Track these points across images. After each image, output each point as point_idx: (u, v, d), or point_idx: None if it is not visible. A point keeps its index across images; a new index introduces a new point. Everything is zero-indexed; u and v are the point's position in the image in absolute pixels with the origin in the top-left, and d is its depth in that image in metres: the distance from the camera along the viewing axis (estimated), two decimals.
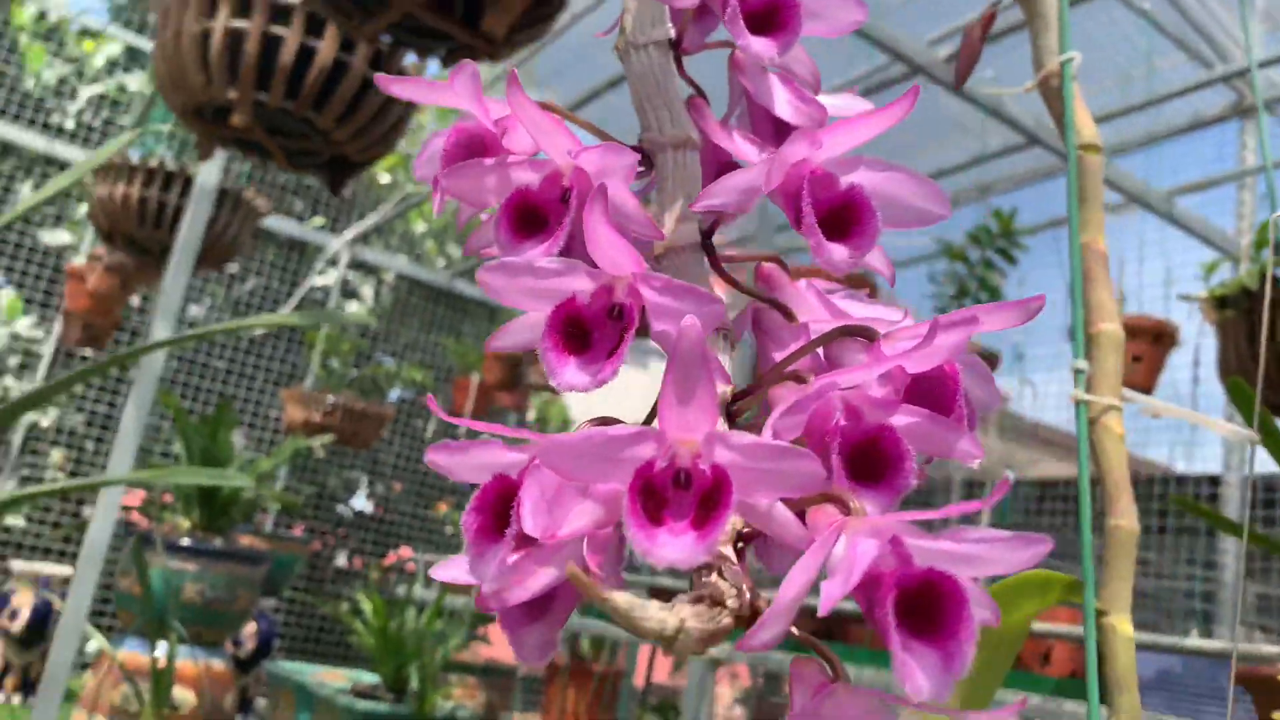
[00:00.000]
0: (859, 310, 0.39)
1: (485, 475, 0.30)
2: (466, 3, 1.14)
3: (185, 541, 3.31)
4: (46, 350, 4.71)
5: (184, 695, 3.10)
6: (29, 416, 4.67)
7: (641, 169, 0.39)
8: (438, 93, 0.35)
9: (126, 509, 4.08)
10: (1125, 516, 0.57)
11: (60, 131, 4.42)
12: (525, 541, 0.28)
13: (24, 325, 4.71)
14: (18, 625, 3.93)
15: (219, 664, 3.21)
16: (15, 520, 4.52)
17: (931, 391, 0.31)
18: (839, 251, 0.32)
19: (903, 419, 0.30)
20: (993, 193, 4.22)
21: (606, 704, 4.11)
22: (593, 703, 4.10)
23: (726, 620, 0.26)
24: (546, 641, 0.33)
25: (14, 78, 4.31)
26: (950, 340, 0.29)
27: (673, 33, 0.39)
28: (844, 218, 0.33)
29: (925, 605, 0.25)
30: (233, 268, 4.98)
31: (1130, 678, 0.56)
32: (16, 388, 4.66)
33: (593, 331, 0.31)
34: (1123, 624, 0.56)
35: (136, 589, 3.13)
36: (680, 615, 0.23)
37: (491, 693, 3.91)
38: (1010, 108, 3.34)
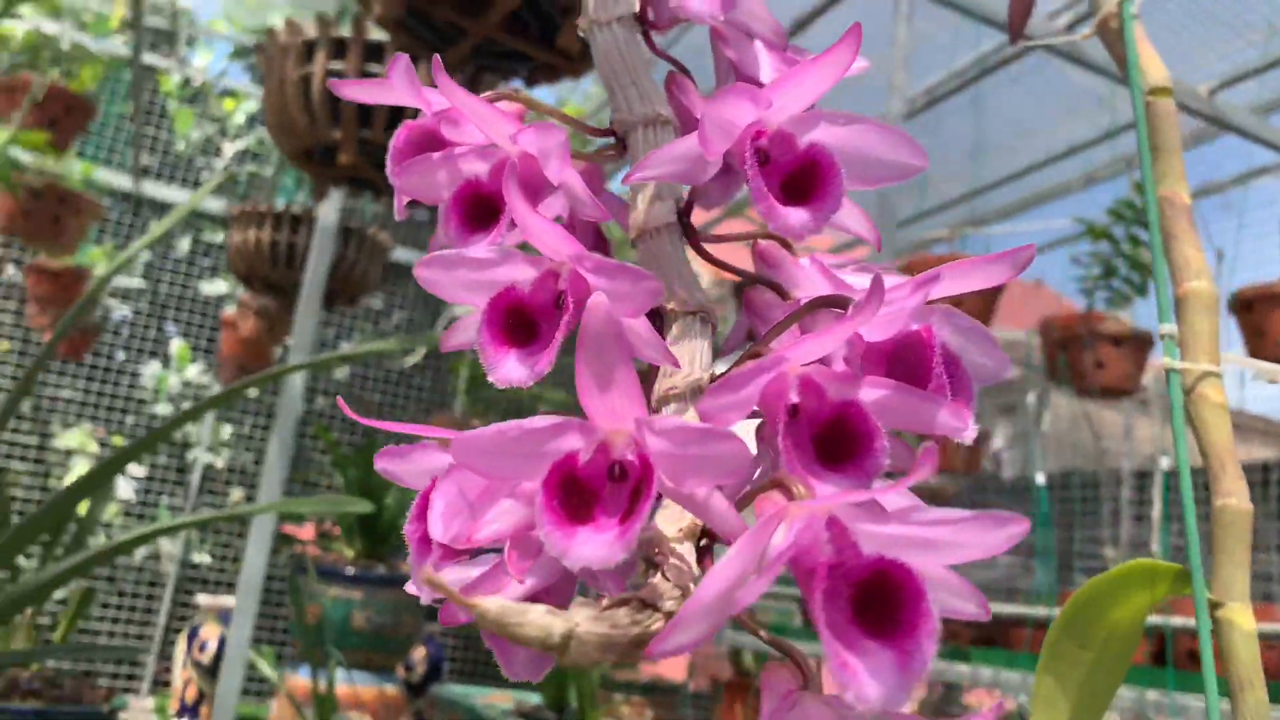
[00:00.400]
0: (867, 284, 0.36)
1: (426, 480, 0.29)
2: (541, 22, 1.14)
3: (350, 570, 3.43)
4: (214, 392, 4.99)
5: None
6: (204, 458, 4.95)
7: (613, 151, 0.37)
8: (384, 91, 0.34)
9: (302, 542, 4.28)
10: (1233, 494, 0.51)
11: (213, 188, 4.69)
12: (450, 550, 0.26)
13: (193, 372, 5.00)
14: (206, 657, 4.16)
15: (391, 689, 3.32)
16: (201, 557, 4.79)
17: (908, 361, 0.28)
18: (795, 215, 0.29)
19: (871, 393, 0.27)
20: (1135, 166, 4.00)
21: None
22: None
23: (656, 625, 0.23)
24: (535, 657, 0.31)
25: (165, 141, 4.61)
26: (910, 303, 0.26)
27: (637, 7, 0.37)
28: (804, 179, 0.30)
29: (875, 598, 0.22)
30: (376, 303, 5.16)
31: (1254, 674, 0.50)
32: (193, 432, 4.95)
33: (538, 322, 0.29)
34: (1241, 616, 0.50)
35: (310, 618, 3.27)
36: (572, 621, 0.21)
37: (659, 710, 3.91)
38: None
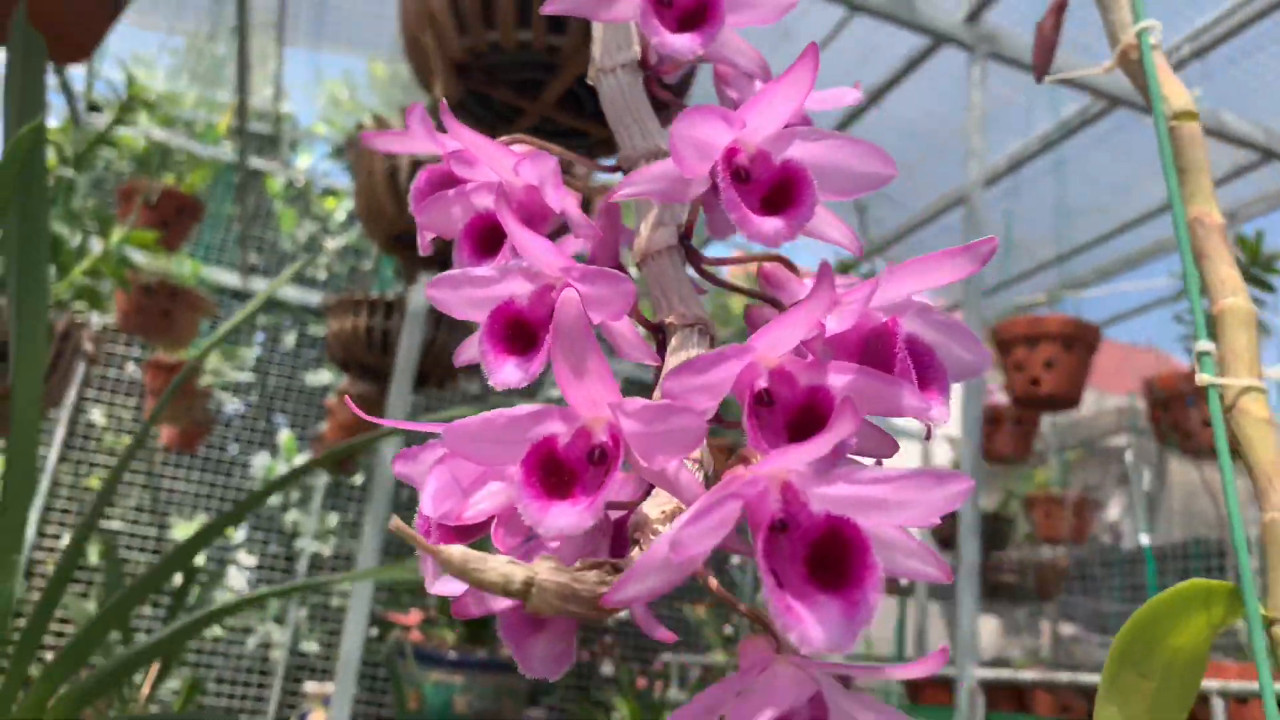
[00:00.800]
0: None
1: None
2: (596, 98, 1.19)
3: (451, 655, 3.46)
4: (320, 482, 5.14)
5: None
6: (312, 546, 5.08)
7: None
8: (406, 141, 0.37)
9: (405, 628, 4.34)
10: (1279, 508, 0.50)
11: (314, 283, 4.90)
12: (449, 533, 0.29)
13: (300, 461, 5.17)
14: None
15: None
16: (309, 646, 4.89)
17: (876, 350, 0.30)
18: (769, 224, 0.31)
19: (838, 378, 0.29)
20: (1237, 220, 3.90)
21: None
22: None
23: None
24: (556, 653, 0.33)
25: (272, 239, 4.85)
26: (862, 293, 0.28)
27: (638, 54, 0.40)
28: (780, 192, 0.32)
29: (823, 553, 0.24)
30: (473, 386, 5.28)
31: None
32: (300, 519, 5.10)
33: (535, 331, 0.32)
34: None
35: (412, 703, 3.30)
36: (533, 570, 0.23)
37: None
38: (1234, 125, 3.10)
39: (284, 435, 5.19)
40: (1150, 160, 4.11)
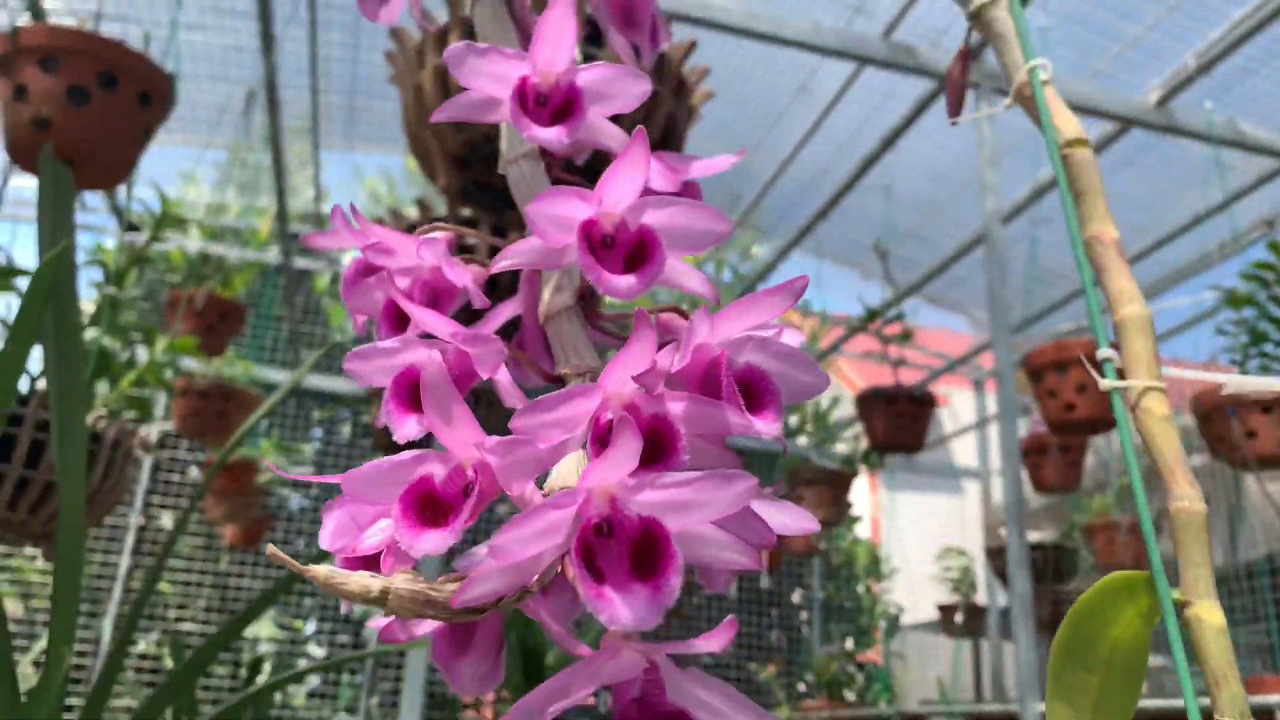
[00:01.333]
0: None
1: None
2: (591, 180, 1.26)
3: None
4: None
5: None
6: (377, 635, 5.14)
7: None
8: (335, 239, 0.43)
9: (476, 705, 4.38)
10: (1186, 498, 0.53)
11: None
12: (350, 563, 0.34)
13: None
14: None
15: None
16: None
17: (713, 380, 0.35)
18: (623, 281, 0.36)
19: (675, 406, 0.34)
20: (1275, 227, 3.87)
21: None
22: None
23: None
24: (481, 673, 0.38)
25: (322, 336, 5.00)
26: (690, 339, 0.33)
27: (536, 147, 0.46)
28: (638, 253, 0.38)
29: (633, 549, 0.29)
30: None
31: (1228, 669, 0.51)
32: (369, 610, 5.16)
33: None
34: (1209, 613, 0.52)
35: None
36: (389, 581, 0.28)
37: None
38: (1253, 134, 3.11)
39: None
40: (1176, 176, 4.11)
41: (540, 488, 0.32)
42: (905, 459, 5.78)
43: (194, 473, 4.80)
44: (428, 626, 0.36)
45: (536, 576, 0.30)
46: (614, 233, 0.38)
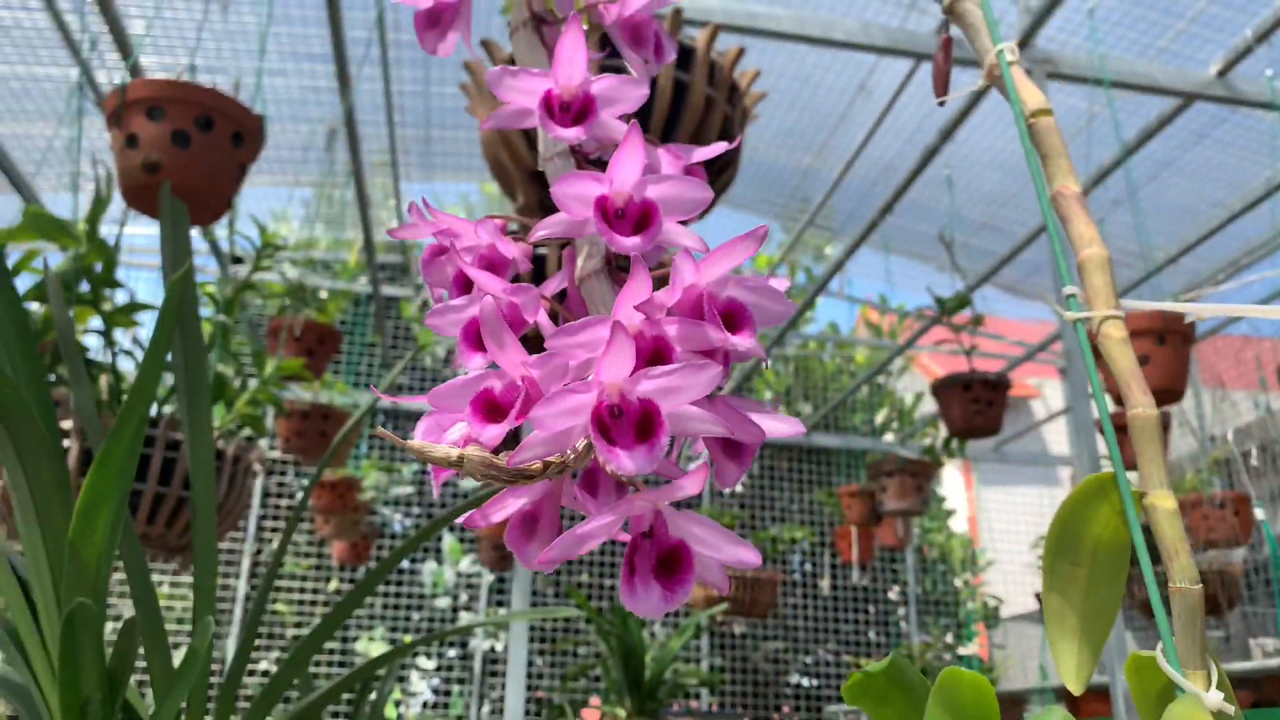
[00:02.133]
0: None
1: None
2: None
3: None
4: (484, 581, 5.39)
5: None
6: (484, 644, 5.32)
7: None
8: (415, 230, 0.55)
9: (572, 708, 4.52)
10: (1140, 405, 0.61)
11: None
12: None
13: (465, 564, 5.46)
14: None
15: None
16: None
17: (699, 309, 0.46)
18: (630, 240, 0.47)
19: (670, 329, 0.45)
20: None
21: None
22: None
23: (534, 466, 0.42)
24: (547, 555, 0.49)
25: (414, 359, 5.22)
26: (679, 279, 0.44)
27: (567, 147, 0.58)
28: (642, 220, 0.49)
29: (637, 423, 0.40)
30: None
31: (1179, 544, 0.59)
32: (467, 616, 5.35)
33: None
34: (1162, 500, 0.60)
35: None
36: (464, 451, 0.40)
37: None
38: None
39: (448, 541, 5.50)
40: (1252, 147, 4.06)
41: None
42: (996, 451, 5.76)
43: (300, 497, 5.05)
44: (505, 513, 0.48)
45: (571, 451, 0.41)
46: (623, 205, 0.49)
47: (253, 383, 2.08)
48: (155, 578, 4.59)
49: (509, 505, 0.48)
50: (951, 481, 8.32)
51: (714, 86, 1.63)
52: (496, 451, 0.42)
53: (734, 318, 0.46)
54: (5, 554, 1.10)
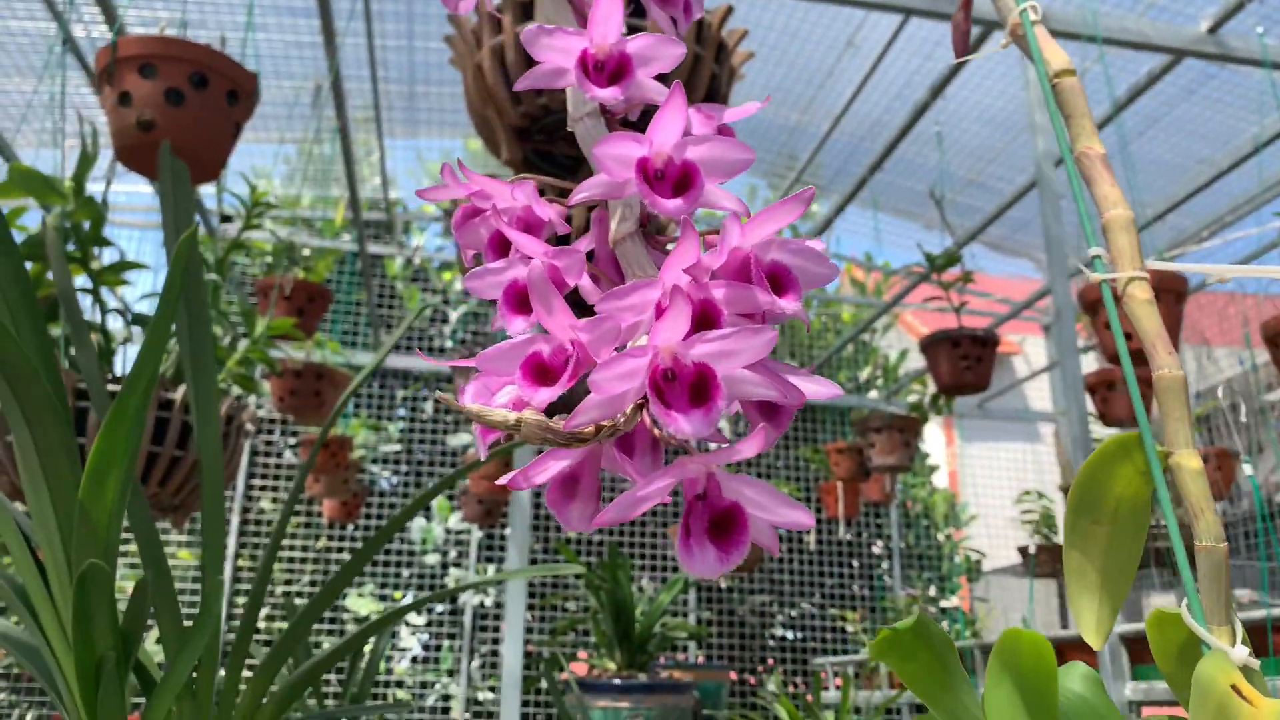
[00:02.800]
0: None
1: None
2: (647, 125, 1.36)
3: (616, 681, 3.65)
4: (473, 537, 5.42)
5: None
6: (474, 600, 5.36)
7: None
8: (445, 192, 0.55)
9: (556, 658, 4.57)
10: (1166, 366, 0.62)
11: (442, 351, 5.22)
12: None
13: (453, 521, 5.48)
14: None
15: None
16: (484, 694, 5.14)
17: (745, 272, 0.46)
18: (672, 203, 0.47)
19: (717, 291, 0.45)
20: None
21: None
22: None
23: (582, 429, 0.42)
24: (587, 515, 0.49)
25: (399, 317, 5.20)
26: (725, 242, 0.44)
27: (598, 106, 0.57)
28: (683, 182, 0.49)
29: (692, 386, 0.40)
30: None
31: (1204, 503, 0.60)
32: (460, 575, 5.38)
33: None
34: (1188, 459, 0.61)
35: None
36: (521, 415, 0.40)
37: None
38: None
39: (436, 499, 5.51)
40: (1241, 104, 4.07)
41: None
42: (979, 408, 5.81)
43: (289, 456, 5.04)
44: (547, 475, 0.48)
45: (623, 416, 0.41)
46: (663, 167, 0.49)
47: (243, 342, 2.07)
48: None
49: (550, 468, 0.48)
50: (933, 437, 8.39)
51: (701, 45, 1.61)
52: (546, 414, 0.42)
53: (779, 280, 0.46)
54: (12, 514, 1.09)
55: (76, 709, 1.02)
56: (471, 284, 0.50)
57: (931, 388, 4.32)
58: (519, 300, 0.49)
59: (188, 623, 1.11)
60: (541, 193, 0.58)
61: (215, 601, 1.01)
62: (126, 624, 1.02)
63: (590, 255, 0.58)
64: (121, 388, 0.96)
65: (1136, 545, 0.65)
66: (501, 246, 0.53)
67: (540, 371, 0.43)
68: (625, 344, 0.44)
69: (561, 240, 0.59)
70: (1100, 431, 4.44)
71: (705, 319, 0.44)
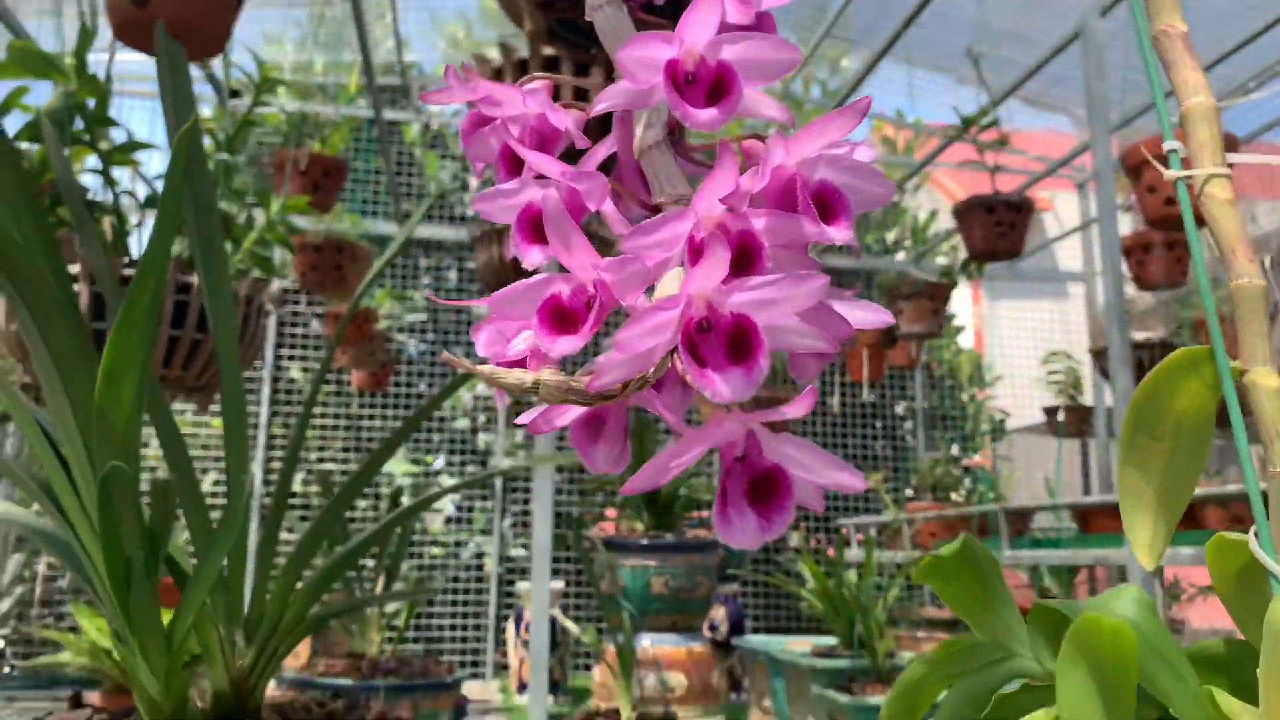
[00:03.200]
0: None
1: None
2: (672, 6, 1.27)
3: (643, 541, 3.72)
4: (504, 405, 5.45)
5: (676, 678, 3.48)
6: (504, 462, 5.44)
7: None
8: (451, 95, 0.49)
9: (583, 521, 4.67)
10: (1245, 275, 0.56)
11: (464, 220, 5.15)
12: (504, 366, 0.41)
13: (481, 388, 5.51)
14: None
15: (699, 647, 3.58)
16: (517, 550, 5.27)
17: (790, 196, 0.40)
18: (706, 113, 0.42)
19: (758, 221, 0.39)
20: None
21: None
22: None
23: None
24: (613, 456, 0.45)
25: (419, 185, 5.11)
26: (768, 161, 0.39)
27: None
28: (718, 87, 0.43)
29: (730, 340, 0.36)
30: None
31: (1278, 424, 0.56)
32: (490, 440, 5.44)
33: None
34: (1265, 378, 0.56)
35: (615, 587, 3.59)
36: (538, 375, 0.35)
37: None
38: None
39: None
40: None
41: (649, 299, 0.39)
42: (1007, 267, 5.70)
43: (315, 325, 5.05)
44: (567, 418, 0.44)
45: (652, 368, 0.37)
46: (695, 70, 0.43)
47: (259, 220, 2.02)
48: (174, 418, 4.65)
49: (573, 408, 0.44)
50: (959, 296, 8.29)
51: None
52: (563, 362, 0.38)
53: (827, 204, 0.41)
54: (33, 413, 1.08)
55: (112, 605, 1.02)
56: (482, 206, 0.45)
57: (962, 251, 4.23)
58: (535, 228, 0.44)
59: (217, 513, 1.10)
60: (557, 93, 0.52)
61: (240, 501, 1.00)
62: (153, 523, 1.01)
63: (610, 164, 0.53)
64: (129, 290, 0.92)
65: (1197, 464, 0.61)
66: (514, 162, 0.48)
67: (559, 316, 0.39)
68: (653, 284, 0.39)
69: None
70: (1132, 292, 4.35)
71: (744, 253, 0.39)
